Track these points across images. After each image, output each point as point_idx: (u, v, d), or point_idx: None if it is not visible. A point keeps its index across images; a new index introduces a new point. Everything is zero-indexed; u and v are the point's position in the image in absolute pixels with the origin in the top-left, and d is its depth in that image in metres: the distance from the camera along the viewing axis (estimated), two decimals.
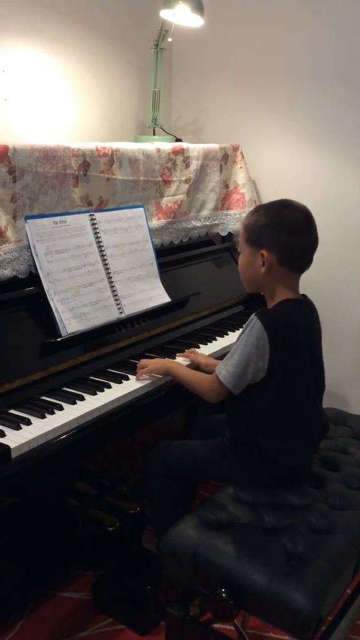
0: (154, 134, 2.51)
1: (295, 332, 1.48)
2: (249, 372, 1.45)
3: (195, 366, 1.80)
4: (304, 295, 1.58)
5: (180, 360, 1.82)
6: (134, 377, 1.69)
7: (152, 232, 2.09)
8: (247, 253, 1.53)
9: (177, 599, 1.43)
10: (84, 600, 1.89)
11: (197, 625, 1.39)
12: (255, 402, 1.48)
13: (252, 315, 1.46)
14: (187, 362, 1.82)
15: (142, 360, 1.75)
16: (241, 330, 1.49)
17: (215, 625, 1.41)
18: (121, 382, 1.66)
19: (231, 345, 1.52)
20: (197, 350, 1.92)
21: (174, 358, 1.84)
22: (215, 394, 1.54)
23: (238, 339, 1.48)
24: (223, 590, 1.26)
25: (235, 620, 1.34)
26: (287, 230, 1.47)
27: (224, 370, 1.48)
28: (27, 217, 1.67)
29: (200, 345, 1.98)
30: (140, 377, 1.69)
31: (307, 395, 1.51)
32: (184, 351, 1.89)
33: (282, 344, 1.44)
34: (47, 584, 1.93)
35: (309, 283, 2.39)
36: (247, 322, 1.47)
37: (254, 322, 1.44)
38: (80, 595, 1.91)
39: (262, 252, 1.48)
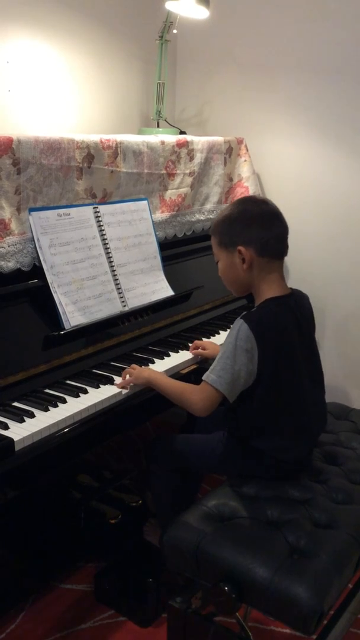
0: (158, 126, 2.50)
1: (283, 332, 1.47)
2: (241, 377, 1.43)
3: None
4: (291, 289, 1.56)
5: (189, 357, 1.80)
6: None
7: (156, 225, 2.08)
8: (224, 257, 1.54)
9: (179, 591, 1.44)
10: (86, 591, 1.89)
11: (198, 618, 1.40)
12: (246, 401, 1.48)
13: (238, 319, 1.45)
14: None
15: (125, 370, 1.64)
16: (227, 335, 1.46)
17: (217, 618, 1.42)
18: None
19: None
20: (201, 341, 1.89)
21: (178, 352, 1.84)
22: (206, 403, 1.46)
23: (225, 344, 1.45)
24: (225, 583, 1.26)
25: (237, 613, 1.34)
26: (257, 222, 1.48)
27: (213, 375, 1.43)
28: (31, 210, 1.67)
29: (204, 339, 1.97)
30: (121, 387, 1.59)
31: (298, 392, 1.50)
32: (186, 345, 1.88)
33: (270, 345, 1.43)
34: (49, 575, 1.94)
35: (312, 277, 2.39)
36: (232, 327, 1.45)
37: (240, 325, 1.43)
38: (82, 587, 1.91)
39: (239, 248, 1.48)
